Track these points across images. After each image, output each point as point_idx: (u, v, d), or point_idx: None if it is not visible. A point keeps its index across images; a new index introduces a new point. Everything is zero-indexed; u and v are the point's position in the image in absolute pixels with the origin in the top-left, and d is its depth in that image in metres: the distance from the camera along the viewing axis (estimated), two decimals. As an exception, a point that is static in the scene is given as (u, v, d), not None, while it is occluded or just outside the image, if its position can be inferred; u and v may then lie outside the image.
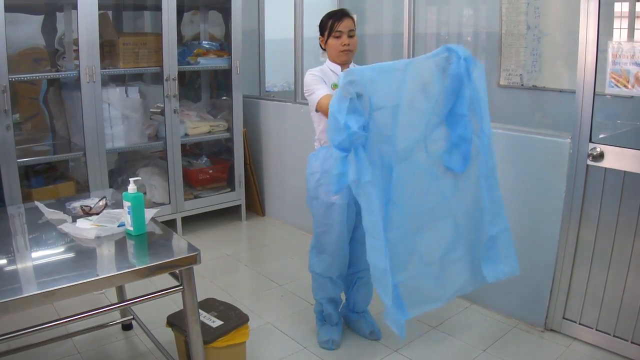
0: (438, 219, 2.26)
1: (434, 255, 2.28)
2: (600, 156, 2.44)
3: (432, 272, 2.28)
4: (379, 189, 2.10)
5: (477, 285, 2.40)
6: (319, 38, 2.54)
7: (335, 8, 4.21)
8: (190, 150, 4.66)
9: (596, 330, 2.59)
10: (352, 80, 1.97)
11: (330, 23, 2.45)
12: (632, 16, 2.39)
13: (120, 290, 2.73)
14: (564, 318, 2.71)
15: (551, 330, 2.76)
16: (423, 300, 2.30)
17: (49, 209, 2.30)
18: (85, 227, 2.12)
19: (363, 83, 1.99)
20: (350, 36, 2.46)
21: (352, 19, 2.48)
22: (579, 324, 2.66)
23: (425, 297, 2.30)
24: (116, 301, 2.73)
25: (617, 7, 2.43)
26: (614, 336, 2.53)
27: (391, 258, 2.12)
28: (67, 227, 2.14)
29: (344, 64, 2.51)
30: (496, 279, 2.33)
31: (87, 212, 2.30)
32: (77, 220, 2.22)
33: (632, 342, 2.46)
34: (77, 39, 3.46)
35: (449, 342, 2.70)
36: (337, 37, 2.44)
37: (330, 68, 2.52)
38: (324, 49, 2.54)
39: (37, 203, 2.38)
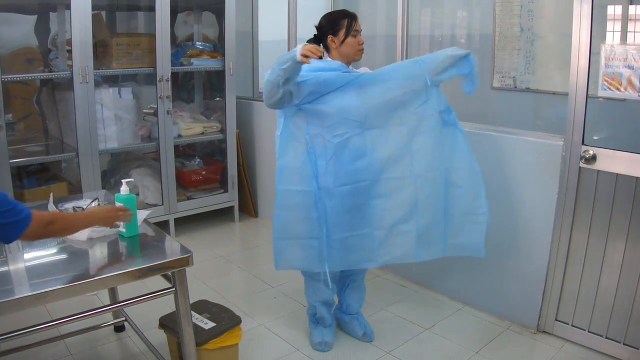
0: (399, 190, 2.40)
1: (385, 222, 2.41)
2: (593, 159, 2.45)
3: (378, 236, 2.41)
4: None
5: (429, 256, 2.53)
6: (329, 37, 2.45)
7: (330, 9, 4.26)
8: (183, 151, 4.65)
9: (588, 332, 2.60)
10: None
11: (348, 22, 2.44)
12: (625, 19, 2.40)
13: (113, 292, 2.72)
14: (556, 320, 2.72)
15: (544, 332, 2.77)
16: (355, 260, 2.46)
17: (41, 210, 2.29)
18: (78, 229, 2.11)
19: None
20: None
21: None
22: (572, 325, 2.67)
23: (359, 257, 2.45)
24: (108, 303, 2.71)
25: (610, 9, 2.44)
26: (606, 338, 2.54)
27: (336, 214, 2.35)
28: (59, 229, 2.12)
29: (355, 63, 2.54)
30: (457, 253, 2.61)
31: (79, 213, 2.28)
32: (70, 221, 2.20)
33: (624, 344, 2.47)
34: (70, 39, 3.44)
35: (442, 344, 2.70)
36: (355, 37, 2.45)
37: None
38: (327, 48, 2.49)
39: (29, 204, 2.37)
